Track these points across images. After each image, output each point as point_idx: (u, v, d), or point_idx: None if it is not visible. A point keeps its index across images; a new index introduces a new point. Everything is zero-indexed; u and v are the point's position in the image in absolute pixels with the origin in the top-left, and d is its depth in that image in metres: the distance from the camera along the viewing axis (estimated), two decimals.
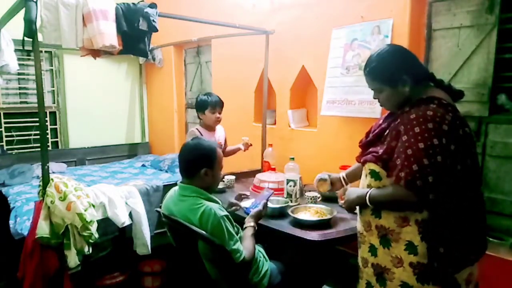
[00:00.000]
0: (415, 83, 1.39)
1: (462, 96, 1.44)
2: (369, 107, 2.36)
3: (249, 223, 1.80)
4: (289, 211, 2.02)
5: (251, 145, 2.94)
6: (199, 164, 1.72)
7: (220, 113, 2.70)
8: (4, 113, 4.01)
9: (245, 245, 1.67)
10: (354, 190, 1.53)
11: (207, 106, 2.64)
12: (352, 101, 2.48)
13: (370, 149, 1.46)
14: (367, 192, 1.42)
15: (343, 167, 2.32)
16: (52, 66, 4.30)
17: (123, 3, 2.34)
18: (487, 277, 1.55)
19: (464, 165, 1.28)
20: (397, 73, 1.38)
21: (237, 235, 1.67)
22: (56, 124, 4.39)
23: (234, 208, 2.03)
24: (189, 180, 1.74)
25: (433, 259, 1.29)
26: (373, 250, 1.45)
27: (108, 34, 2.25)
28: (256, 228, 1.80)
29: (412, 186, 1.24)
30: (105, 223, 2.29)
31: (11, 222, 2.61)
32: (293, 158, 2.47)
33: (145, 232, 2.41)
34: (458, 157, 1.26)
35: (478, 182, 1.38)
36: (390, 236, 1.38)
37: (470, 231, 1.32)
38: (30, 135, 4.16)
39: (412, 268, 1.32)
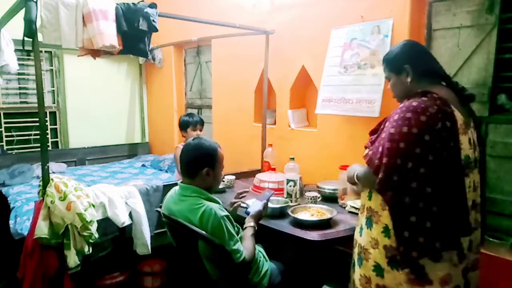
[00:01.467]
0: (418, 76, 1.43)
1: (471, 100, 1.44)
2: (367, 106, 2.34)
3: (249, 223, 1.80)
4: (289, 211, 2.02)
5: None
6: (200, 164, 1.72)
7: (201, 130, 3.13)
8: (4, 113, 4.01)
9: (245, 245, 1.67)
10: (354, 167, 1.59)
11: (189, 125, 3.09)
12: (349, 100, 2.46)
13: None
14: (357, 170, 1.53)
15: (343, 167, 2.33)
16: (52, 66, 4.30)
17: (123, 3, 2.34)
18: (487, 277, 1.55)
19: (438, 157, 1.27)
20: (400, 62, 1.46)
21: (237, 235, 1.67)
22: (56, 124, 4.39)
23: (235, 205, 2.00)
24: (190, 180, 1.74)
25: (399, 242, 1.32)
26: (361, 230, 1.50)
27: (108, 34, 2.25)
28: (256, 228, 1.80)
29: (370, 163, 1.35)
30: (105, 223, 2.29)
31: (11, 222, 2.61)
32: (293, 158, 2.47)
33: (145, 232, 2.41)
34: (433, 148, 1.27)
35: (457, 176, 1.33)
36: (373, 217, 1.42)
37: (440, 220, 1.29)
38: (30, 135, 4.17)
39: (385, 251, 1.37)
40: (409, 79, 1.44)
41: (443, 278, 1.32)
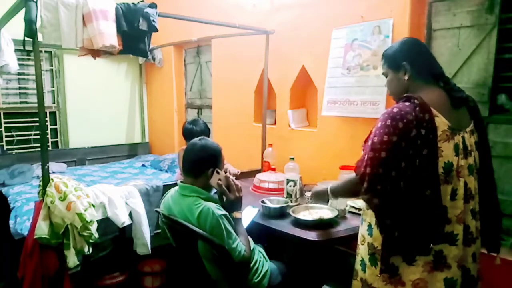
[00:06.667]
0: (416, 74, 1.41)
1: (461, 104, 1.40)
2: (371, 108, 2.36)
3: (237, 214, 1.77)
4: (289, 211, 2.02)
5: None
6: (207, 164, 1.75)
7: None
8: (4, 113, 4.01)
9: (243, 241, 1.68)
10: (321, 185, 1.73)
11: (194, 136, 2.59)
12: (354, 102, 2.47)
13: None
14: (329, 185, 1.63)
15: (343, 167, 2.33)
16: (52, 66, 4.30)
17: (123, 3, 2.34)
18: (487, 277, 1.55)
19: (411, 164, 1.27)
20: (399, 58, 1.45)
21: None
22: (56, 124, 4.39)
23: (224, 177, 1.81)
24: (193, 179, 1.75)
25: (382, 242, 1.35)
26: (360, 227, 1.55)
27: (108, 34, 2.25)
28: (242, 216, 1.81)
29: (357, 171, 1.37)
30: (105, 223, 2.29)
31: (11, 222, 2.61)
32: (293, 158, 2.47)
33: (145, 232, 2.41)
34: (407, 155, 1.27)
35: (431, 184, 1.31)
36: (363, 216, 1.49)
37: (412, 226, 1.30)
38: (30, 135, 4.16)
39: (368, 247, 1.42)
40: (406, 77, 1.43)
41: (415, 282, 1.32)
